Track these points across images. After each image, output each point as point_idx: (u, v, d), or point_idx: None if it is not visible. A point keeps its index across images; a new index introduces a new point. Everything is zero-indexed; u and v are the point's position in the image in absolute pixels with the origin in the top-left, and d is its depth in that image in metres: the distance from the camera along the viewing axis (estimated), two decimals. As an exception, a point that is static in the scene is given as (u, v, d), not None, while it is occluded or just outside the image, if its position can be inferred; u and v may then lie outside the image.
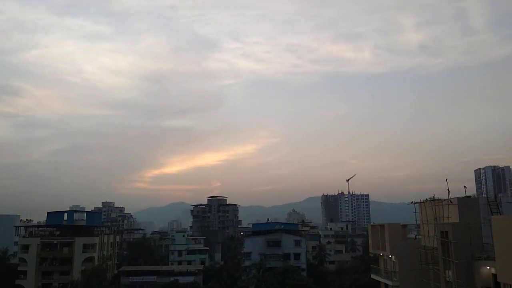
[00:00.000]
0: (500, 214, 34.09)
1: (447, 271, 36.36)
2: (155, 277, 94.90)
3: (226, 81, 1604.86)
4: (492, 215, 33.19)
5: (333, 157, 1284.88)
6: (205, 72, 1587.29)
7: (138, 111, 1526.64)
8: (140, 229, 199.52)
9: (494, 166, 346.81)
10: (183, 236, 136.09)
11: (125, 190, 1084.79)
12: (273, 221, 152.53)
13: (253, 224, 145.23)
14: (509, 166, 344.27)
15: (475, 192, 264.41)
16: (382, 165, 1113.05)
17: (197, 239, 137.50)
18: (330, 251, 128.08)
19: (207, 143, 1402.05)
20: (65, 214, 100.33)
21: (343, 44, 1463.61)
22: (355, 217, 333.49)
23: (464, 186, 39.53)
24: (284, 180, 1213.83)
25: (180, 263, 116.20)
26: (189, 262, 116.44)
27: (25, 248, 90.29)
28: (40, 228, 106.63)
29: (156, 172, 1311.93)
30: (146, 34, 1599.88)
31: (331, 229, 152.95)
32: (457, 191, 39.37)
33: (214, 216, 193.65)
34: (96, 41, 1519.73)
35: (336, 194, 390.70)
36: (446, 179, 38.92)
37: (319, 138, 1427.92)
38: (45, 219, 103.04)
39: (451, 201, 37.22)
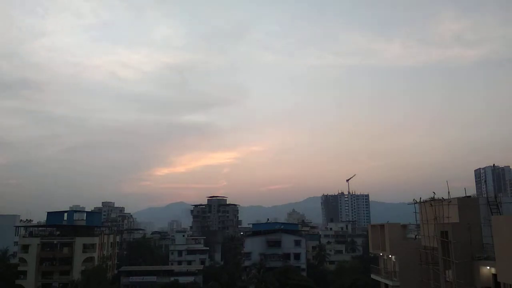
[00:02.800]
0: (500, 214, 34.04)
1: (447, 271, 36.34)
2: (155, 277, 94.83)
3: (246, 74, 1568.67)
4: (492, 215, 33.18)
5: (335, 156, 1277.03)
6: (224, 66, 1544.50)
7: (154, 106, 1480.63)
8: (140, 229, 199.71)
9: (494, 166, 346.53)
10: (183, 236, 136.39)
11: (132, 189, 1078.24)
12: (273, 221, 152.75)
13: (253, 224, 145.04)
14: (509, 166, 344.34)
15: (475, 192, 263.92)
16: (383, 164, 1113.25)
17: (197, 239, 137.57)
18: (330, 251, 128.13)
19: (222, 140, 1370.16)
20: (65, 214, 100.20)
21: (371, 35, 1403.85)
22: (355, 217, 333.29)
23: (464, 188, 39.55)
24: (291, 180, 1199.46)
25: (180, 263, 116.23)
26: (189, 262, 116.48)
27: (25, 248, 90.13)
28: (40, 228, 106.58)
29: (166, 170, 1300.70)
30: (163, 23, 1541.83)
31: (331, 229, 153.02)
32: (457, 191, 39.45)
33: (214, 216, 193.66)
34: (110, 29, 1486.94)
35: (336, 194, 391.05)
36: (446, 180, 39.01)
37: (329, 137, 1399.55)
38: (45, 219, 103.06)
39: (450, 201, 37.22)
